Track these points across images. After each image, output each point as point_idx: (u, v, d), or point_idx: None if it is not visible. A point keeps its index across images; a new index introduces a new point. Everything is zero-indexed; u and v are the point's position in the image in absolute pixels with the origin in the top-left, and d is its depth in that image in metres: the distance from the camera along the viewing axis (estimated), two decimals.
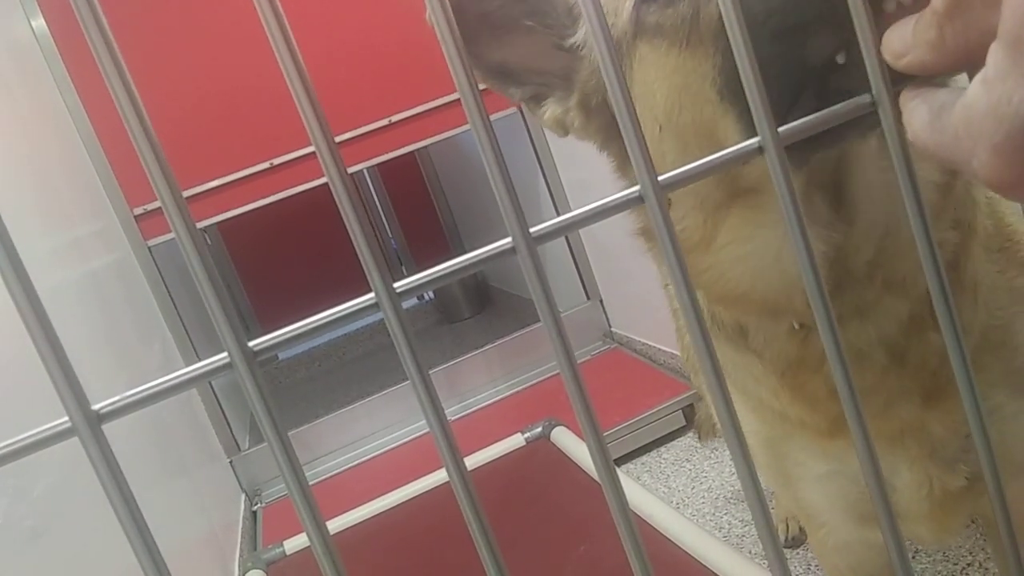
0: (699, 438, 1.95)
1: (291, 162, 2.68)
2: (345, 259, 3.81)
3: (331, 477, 2.71)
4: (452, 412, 2.86)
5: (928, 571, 1.49)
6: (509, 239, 0.36)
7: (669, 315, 1.21)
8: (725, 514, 1.93)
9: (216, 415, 2.74)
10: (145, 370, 2.16)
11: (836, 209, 0.61)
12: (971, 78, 0.32)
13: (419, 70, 2.70)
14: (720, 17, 0.38)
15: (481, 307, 4.38)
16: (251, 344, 0.34)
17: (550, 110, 0.76)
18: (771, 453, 0.83)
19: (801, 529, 1.68)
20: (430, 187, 4.88)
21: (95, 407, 0.33)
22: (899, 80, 0.38)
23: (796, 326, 0.67)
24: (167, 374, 0.34)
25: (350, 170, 2.70)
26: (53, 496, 1.19)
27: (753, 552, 1.72)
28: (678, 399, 2.33)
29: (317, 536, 0.35)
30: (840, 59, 0.47)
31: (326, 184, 0.34)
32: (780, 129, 0.38)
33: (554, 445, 2.16)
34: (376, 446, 2.83)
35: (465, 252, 0.36)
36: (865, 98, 0.39)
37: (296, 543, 2.06)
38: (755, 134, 0.38)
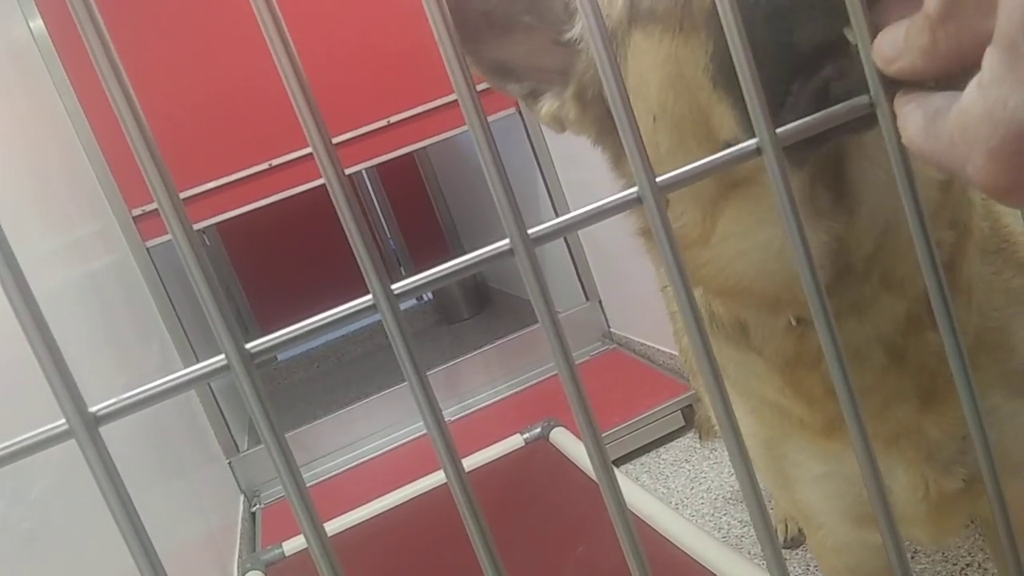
0: (699, 438, 1.95)
1: (289, 163, 2.68)
2: (344, 260, 3.80)
3: (329, 478, 2.71)
4: (451, 413, 2.85)
5: (927, 572, 1.49)
6: (507, 240, 0.36)
7: (667, 316, 1.21)
8: (724, 515, 1.93)
9: (215, 416, 2.74)
10: (143, 371, 2.16)
11: (838, 199, 0.61)
12: (964, 83, 0.31)
13: (417, 71, 2.70)
14: (713, 0, 0.38)
15: (480, 308, 4.38)
16: (248, 346, 0.34)
17: (547, 105, 0.76)
18: (769, 454, 0.83)
19: (800, 530, 1.68)
20: (429, 188, 4.88)
21: (92, 409, 0.33)
22: (897, 81, 0.38)
23: (793, 322, 0.67)
24: (165, 375, 0.34)
25: (348, 171, 2.69)
26: (50, 498, 1.19)
27: (752, 553, 1.72)
28: (677, 400, 2.33)
29: (315, 538, 0.35)
30: (850, 36, 0.47)
31: (325, 185, 0.34)
32: (778, 130, 0.38)
33: (553, 446, 2.16)
34: (374, 447, 2.82)
35: (464, 253, 0.36)
36: (863, 99, 0.39)
37: (295, 544, 2.06)
38: (750, 123, 0.38)
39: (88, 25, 0.31)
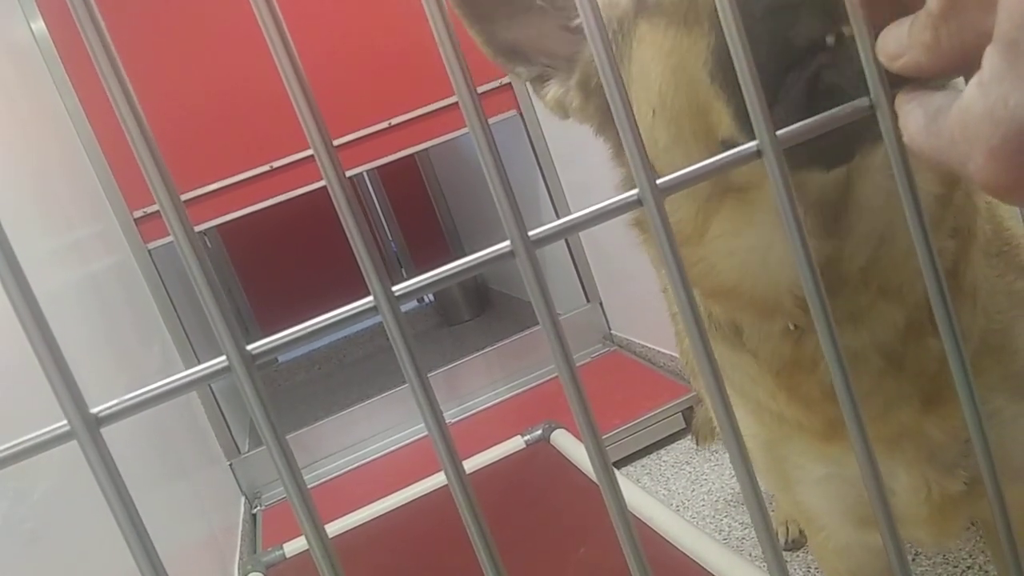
0: (696, 443, 1.95)
1: (290, 165, 2.69)
2: (345, 262, 3.80)
3: (330, 480, 2.71)
4: (452, 414, 2.85)
5: (928, 574, 1.49)
6: (508, 242, 0.36)
7: (668, 318, 1.21)
8: (725, 517, 1.93)
9: (216, 418, 2.74)
10: (144, 372, 2.16)
11: (833, 223, 0.61)
12: (967, 81, 0.31)
13: (418, 73, 2.70)
14: None
15: (481, 309, 4.38)
16: (249, 348, 0.34)
17: (552, 91, 0.76)
18: (770, 456, 0.83)
19: (801, 532, 1.68)
20: (430, 190, 4.88)
21: (93, 411, 0.33)
22: (897, 83, 0.38)
23: (792, 326, 0.67)
24: (166, 377, 0.34)
25: (349, 173, 2.70)
26: (53, 499, 1.19)
27: (753, 555, 1.72)
28: (678, 402, 2.33)
29: (316, 539, 0.35)
30: (829, 40, 0.47)
31: (326, 187, 0.34)
32: (778, 133, 0.38)
33: (554, 448, 2.15)
34: (375, 449, 2.82)
35: (465, 255, 0.36)
36: (863, 102, 0.39)
37: (296, 546, 2.05)
38: (747, 119, 0.38)
39: (89, 26, 0.31)
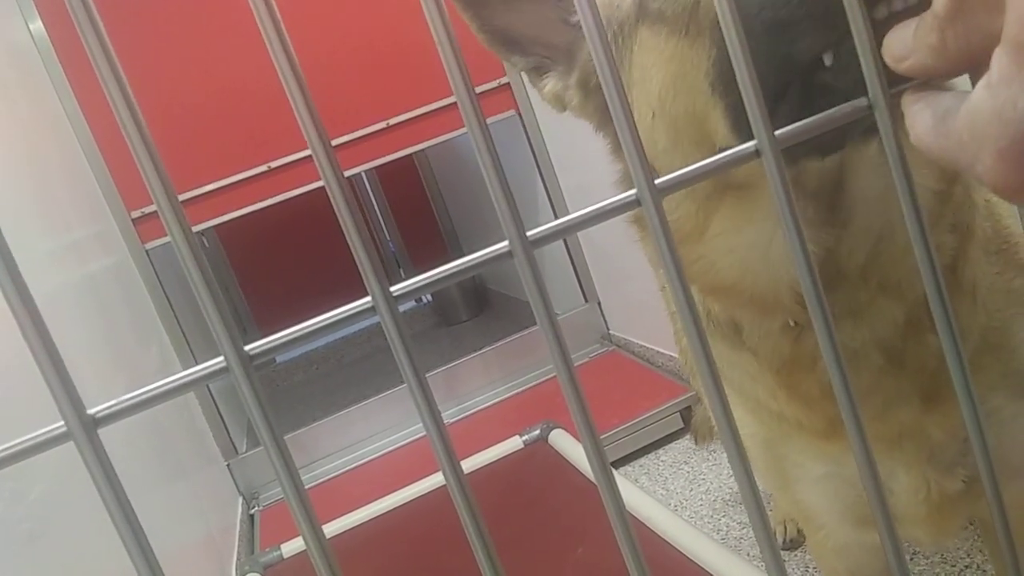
0: (695, 442, 1.95)
1: (289, 165, 2.68)
2: (343, 262, 3.80)
3: (328, 480, 2.71)
4: (450, 415, 2.85)
5: (926, 573, 1.49)
6: (506, 242, 0.36)
7: (667, 317, 1.21)
8: (723, 516, 1.93)
9: (213, 418, 2.74)
10: (142, 373, 2.16)
11: (830, 212, 0.61)
12: (974, 81, 0.31)
13: (417, 73, 2.70)
14: None
15: (479, 310, 4.38)
16: (247, 348, 0.34)
17: (551, 84, 0.76)
18: (769, 455, 0.83)
19: (799, 531, 1.68)
20: (428, 190, 4.88)
21: (91, 411, 0.33)
22: (895, 82, 0.38)
23: (791, 323, 0.67)
24: (164, 377, 0.34)
25: (347, 173, 2.70)
26: (50, 499, 1.19)
27: (751, 554, 1.72)
28: (676, 401, 2.33)
29: (313, 540, 0.35)
30: (827, 60, 0.47)
31: (324, 187, 0.34)
32: (777, 133, 0.38)
33: (552, 448, 2.15)
34: (373, 449, 2.82)
35: (463, 255, 0.36)
36: (862, 101, 0.39)
37: (294, 546, 2.05)
38: (744, 129, 0.38)
39: (87, 27, 0.31)
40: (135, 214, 2.60)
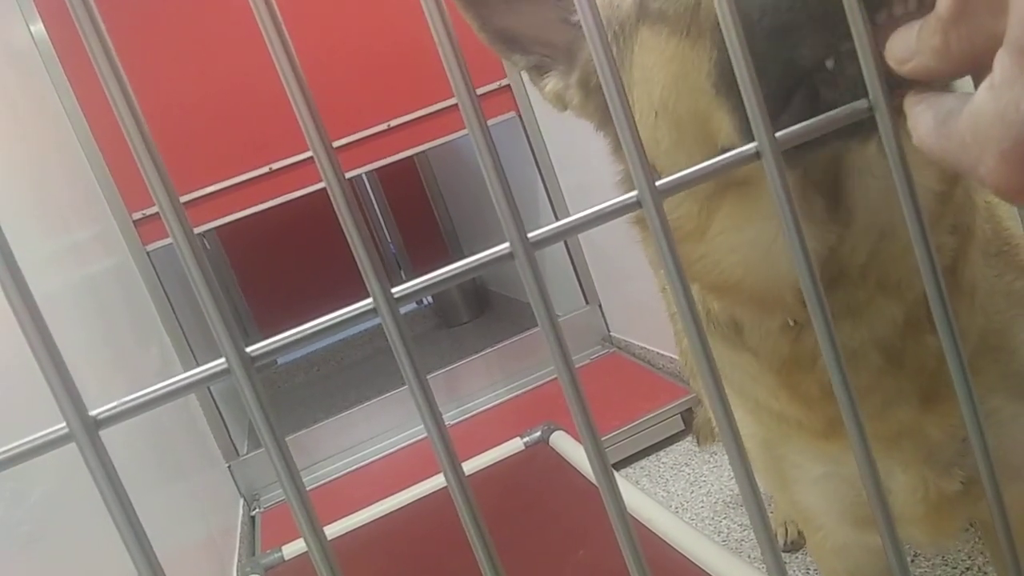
0: (697, 443, 1.95)
1: (290, 167, 2.69)
2: (344, 263, 3.80)
3: (329, 482, 2.71)
4: (451, 416, 2.85)
5: (927, 575, 1.49)
6: (507, 244, 0.36)
7: (667, 319, 1.21)
8: (724, 518, 1.93)
9: (215, 420, 2.74)
10: (143, 374, 2.16)
11: (833, 209, 0.61)
12: (977, 83, 0.31)
13: (418, 74, 2.71)
14: None
15: (480, 311, 4.38)
16: (249, 350, 0.34)
17: (551, 83, 0.76)
18: (768, 456, 0.83)
19: (800, 533, 1.68)
20: (429, 192, 4.88)
21: (92, 413, 0.33)
22: (896, 84, 0.38)
23: (791, 322, 0.67)
24: (165, 379, 0.34)
25: (349, 175, 2.69)
26: (51, 501, 1.19)
27: (752, 556, 1.72)
28: (677, 403, 2.33)
29: (315, 542, 0.35)
30: (829, 64, 0.47)
31: (325, 188, 0.34)
32: (777, 135, 0.38)
33: (553, 449, 2.15)
34: (375, 451, 2.82)
35: (464, 256, 0.36)
36: (862, 103, 0.39)
37: (295, 548, 2.05)
38: (749, 129, 0.38)
39: (89, 29, 0.31)
40: (136, 215, 2.60)
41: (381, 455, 2.78)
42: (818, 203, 0.60)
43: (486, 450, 2.21)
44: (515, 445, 2.21)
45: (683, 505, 2.04)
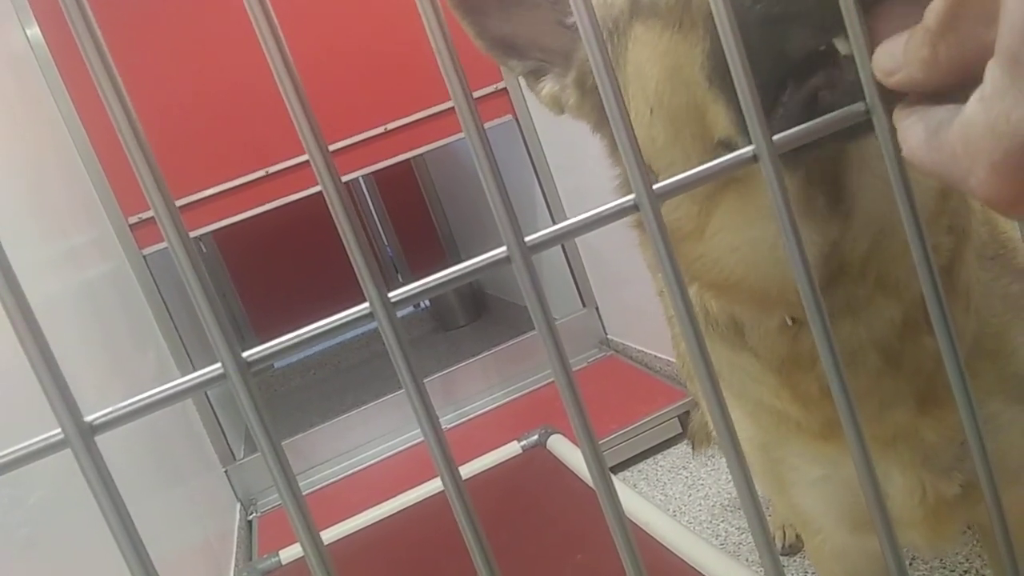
0: (692, 448, 1.95)
1: (286, 170, 2.68)
2: (341, 267, 3.79)
3: (326, 486, 2.70)
4: (448, 420, 2.85)
5: None
6: (504, 248, 0.36)
7: (665, 322, 1.21)
8: (722, 522, 1.93)
9: (211, 424, 2.73)
10: (140, 379, 2.16)
11: (834, 203, 0.61)
12: (966, 95, 0.31)
13: (414, 78, 2.71)
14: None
15: (477, 315, 4.38)
16: (245, 355, 0.34)
17: (548, 86, 0.76)
18: (766, 458, 0.83)
19: (798, 536, 1.68)
20: (426, 195, 4.88)
21: (88, 418, 0.33)
22: (885, 98, 0.38)
23: (789, 321, 0.67)
24: (162, 383, 0.34)
25: (345, 178, 2.70)
26: (48, 505, 1.19)
27: (750, 560, 1.72)
28: (674, 406, 2.33)
29: (311, 546, 0.35)
30: (843, 49, 0.47)
31: (321, 192, 0.34)
32: (775, 138, 0.38)
33: (551, 453, 2.15)
34: (372, 455, 2.82)
35: (461, 260, 0.36)
36: (859, 106, 0.39)
37: (292, 553, 2.05)
38: (744, 122, 0.38)
39: (84, 33, 0.31)
40: (132, 219, 2.59)
41: (378, 459, 2.77)
42: (819, 198, 0.60)
43: (483, 454, 2.21)
44: (512, 449, 2.21)
45: (681, 508, 2.04)
